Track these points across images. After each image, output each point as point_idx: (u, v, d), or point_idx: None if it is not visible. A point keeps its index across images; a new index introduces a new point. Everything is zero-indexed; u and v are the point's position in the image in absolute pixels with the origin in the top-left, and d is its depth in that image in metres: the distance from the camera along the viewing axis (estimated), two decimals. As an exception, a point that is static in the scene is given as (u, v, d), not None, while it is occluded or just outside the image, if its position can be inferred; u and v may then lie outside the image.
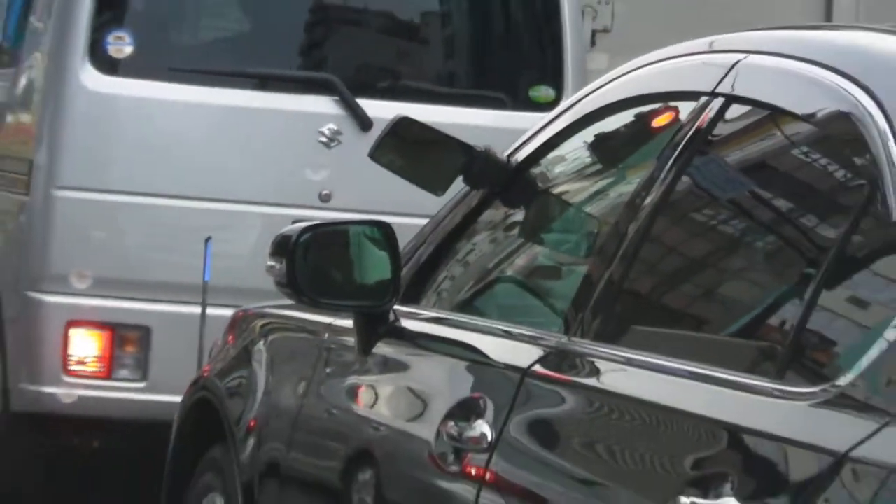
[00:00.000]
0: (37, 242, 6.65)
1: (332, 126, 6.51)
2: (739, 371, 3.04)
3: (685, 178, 3.49)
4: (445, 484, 3.65)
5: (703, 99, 3.50)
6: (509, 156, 4.14)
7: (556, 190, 4.25)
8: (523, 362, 3.58)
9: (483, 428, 3.51)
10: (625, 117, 4.02)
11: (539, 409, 3.57)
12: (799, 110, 3.29)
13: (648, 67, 3.88)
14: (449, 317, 4.08)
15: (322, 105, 6.57)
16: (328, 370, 4.39)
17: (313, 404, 4.36)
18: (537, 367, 3.54)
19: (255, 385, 4.69)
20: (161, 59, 6.67)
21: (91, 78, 6.50)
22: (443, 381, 3.98)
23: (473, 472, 3.54)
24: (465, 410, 3.66)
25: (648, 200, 3.51)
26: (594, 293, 3.57)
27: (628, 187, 3.73)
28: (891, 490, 2.57)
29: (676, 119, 3.69)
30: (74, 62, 6.51)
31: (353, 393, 4.31)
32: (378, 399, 4.22)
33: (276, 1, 7.06)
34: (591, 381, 3.45)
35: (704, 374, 3.11)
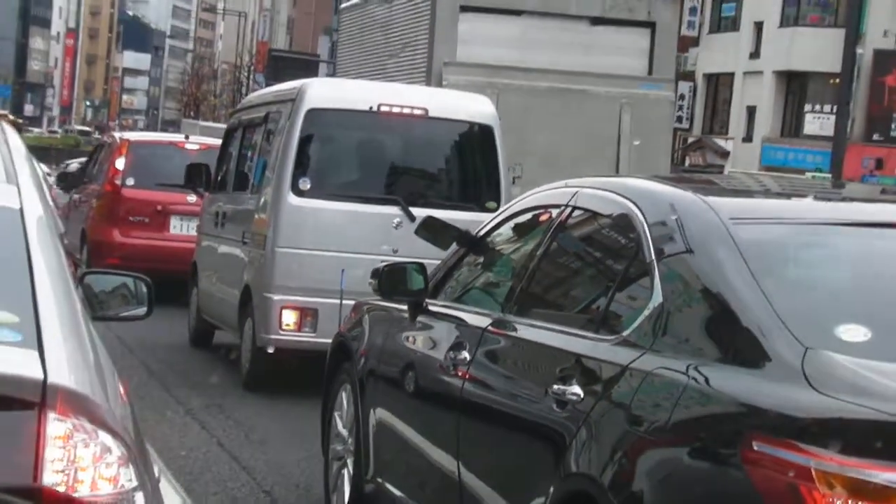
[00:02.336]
0: (267, 271, 10.18)
1: (398, 219, 10.12)
2: (581, 329, 4.37)
3: (555, 242, 5.01)
4: (448, 379, 5.15)
5: (562, 207, 5.00)
6: (476, 233, 5.81)
7: (497, 247, 5.79)
8: (483, 324, 5.06)
9: (465, 354, 5.04)
10: (527, 216, 5.52)
11: (489, 346, 4.97)
12: (604, 212, 4.74)
13: (538, 194, 5.44)
14: (451, 304, 5.64)
15: (395, 210, 10.18)
16: (395, 328, 6.01)
17: (389, 342, 6.00)
18: (490, 327, 5.00)
19: (364, 335, 6.35)
20: (322, 189, 10.27)
21: (292, 198, 10.20)
22: (447, 334, 5.39)
23: (460, 373, 5.02)
24: (457, 346, 5.15)
25: (539, 251, 5.01)
26: (515, 292, 5.01)
27: (529, 245, 5.25)
28: (648, 381, 3.77)
29: (550, 216, 5.13)
30: (285, 191, 10.25)
31: (406, 338, 5.88)
32: (417, 341, 5.79)
33: (371, 160, 10.75)
34: (512, 333, 4.86)
35: (566, 330, 4.47)
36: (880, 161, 36.42)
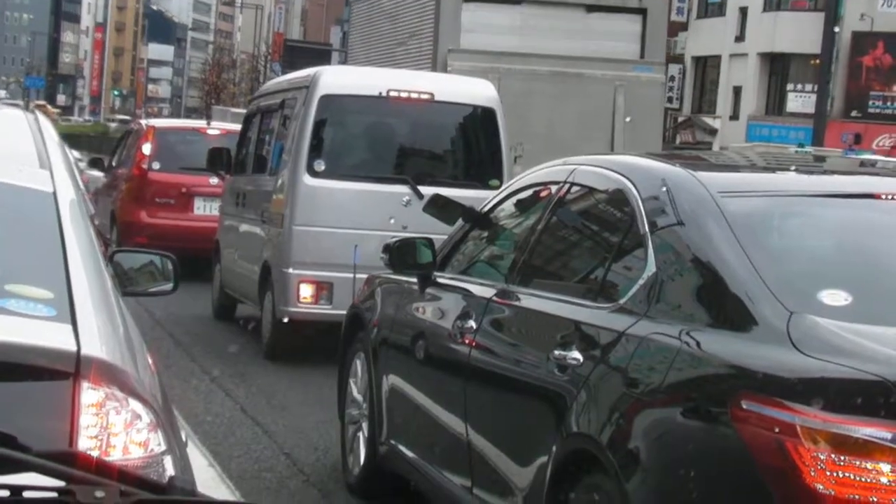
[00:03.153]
0: (285, 248, 10.16)
1: (407, 197, 10.07)
2: (580, 298, 4.38)
3: (554, 217, 5.03)
4: (456, 346, 5.17)
5: (561, 184, 5.02)
6: (481, 209, 5.84)
7: (500, 222, 5.80)
8: (488, 295, 5.07)
9: (472, 323, 5.05)
10: (528, 192, 5.54)
11: (494, 315, 4.97)
12: (600, 187, 4.75)
13: (538, 172, 5.45)
14: (457, 276, 5.64)
15: (404, 188, 10.15)
16: (405, 299, 6.04)
17: (400, 313, 6.04)
18: (494, 297, 5.00)
19: (376, 306, 6.36)
20: (335, 170, 10.22)
21: (308, 179, 10.18)
22: (455, 304, 5.41)
23: (467, 341, 5.03)
24: (464, 315, 5.15)
25: (540, 225, 5.00)
26: (518, 264, 5.01)
27: (530, 220, 5.23)
28: (643, 346, 3.79)
29: (550, 192, 5.13)
30: (301, 172, 10.20)
31: (416, 308, 5.91)
32: (426, 311, 5.80)
33: (382, 142, 10.69)
34: (515, 303, 4.89)
35: (566, 299, 4.48)
36: (858, 136, 36.29)
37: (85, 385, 2.73)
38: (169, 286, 4.25)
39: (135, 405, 2.79)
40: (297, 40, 71.62)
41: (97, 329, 2.87)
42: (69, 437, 2.70)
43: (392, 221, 9.88)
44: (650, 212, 4.17)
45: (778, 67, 46.70)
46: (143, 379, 2.93)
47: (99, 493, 1.62)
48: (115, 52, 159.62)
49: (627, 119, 15.41)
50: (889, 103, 41.72)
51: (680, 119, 49.91)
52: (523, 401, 4.48)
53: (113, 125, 73.04)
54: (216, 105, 58.88)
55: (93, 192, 16.52)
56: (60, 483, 1.66)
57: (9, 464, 1.69)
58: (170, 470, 2.79)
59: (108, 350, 2.83)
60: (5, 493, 1.64)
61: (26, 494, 1.64)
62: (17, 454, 1.71)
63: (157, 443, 2.81)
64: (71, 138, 47.23)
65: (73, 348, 2.76)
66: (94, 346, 2.79)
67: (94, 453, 2.72)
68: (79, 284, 2.97)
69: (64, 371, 2.74)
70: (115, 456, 2.75)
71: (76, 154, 23.30)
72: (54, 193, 3.34)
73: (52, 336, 2.81)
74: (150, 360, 3.23)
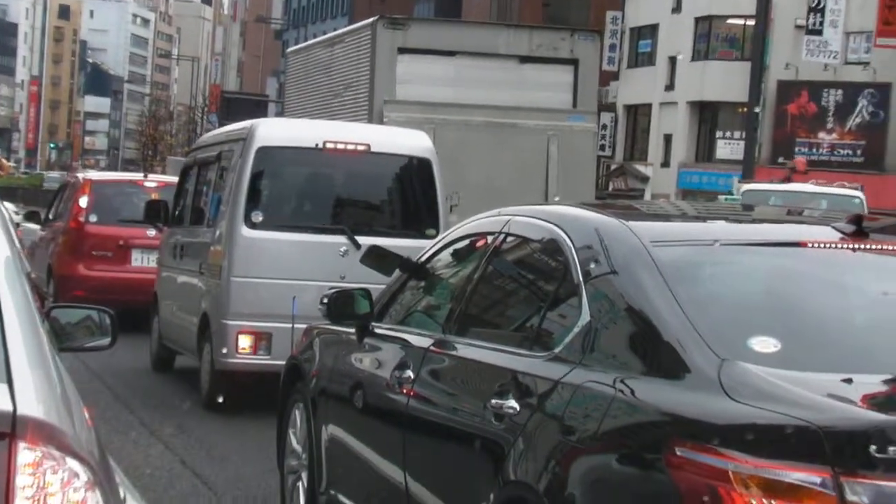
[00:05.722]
0: (223, 299, 10.14)
1: (345, 247, 10.08)
2: (516, 347, 4.39)
3: (490, 266, 5.00)
4: (394, 396, 5.14)
5: (497, 234, 5.02)
6: (417, 259, 5.78)
7: (437, 272, 5.74)
8: (426, 344, 5.06)
9: (409, 373, 5.04)
10: (465, 242, 5.51)
11: (432, 365, 4.96)
12: (535, 237, 4.75)
13: (474, 222, 5.42)
14: (395, 326, 5.61)
15: (341, 238, 10.13)
16: (344, 349, 5.98)
17: (339, 363, 5.98)
18: (431, 347, 5.00)
19: (315, 357, 6.32)
20: (273, 221, 10.25)
21: (245, 231, 10.17)
22: (393, 354, 5.34)
23: (405, 391, 5.02)
24: (402, 366, 5.13)
25: (476, 275, 5.00)
26: (454, 314, 5.01)
27: (466, 270, 5.22)
28: (579, 394, 3.79)
29: (486, 242, 5.13)
30: (238, 224, 10.18)
31: (354, 358, 5.83)
32: (365, 361, 5.73)
33: (319, 193, 10.70)
34: (452, 352, 4.87)
35: (502, 348, 4.48)
36: (793, 169, 36.75)
37: (21, 445, 2.70)
38: (106, 341, 4.20)
39: (72, 464, 2.76)
40: (233, 91, 71.49)
41: (33, 388, 2.83)
42: (5, 498, 2.67)
43: (330, 272, 9.86)
44: (584, 261, 4.18)
45: (707, 115, 47.27)
46: (81, 436, 2.89)
47: None
48: (51, 104, 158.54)
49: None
50: (814, 150, 42.32)
51: (613, 166, 50.31)
52: (461, 449, 4.46)
53: (52, 174, 72.52)
54: (171, 156, 58.87)
55: (29, 247, 16.35)
56: None
57: None
58: (108, 528, 2.76)
59: (45, 409, 2.80)
60: None
61: None
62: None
63: (95, 501, 2.77)
64: (7, 191, 46.75)
65: (9, 408, 2.72)
66: (31, 405, 2.76)
67: None
68: (14, 344, 2.93)
69: (0, 431, 2.70)
70: None
71: (12, 207, 23.05)
72: (-11, 252, 3.31)
73: None
74: (87, 416, 3.19)
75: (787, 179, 22.62)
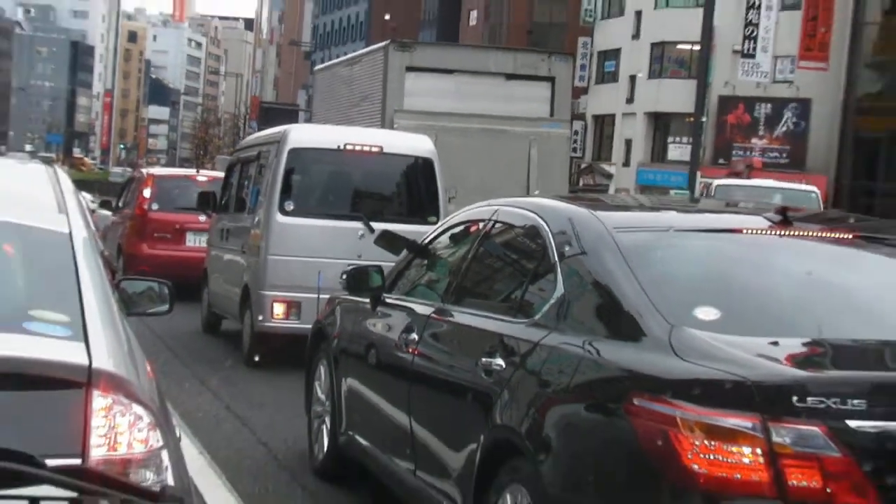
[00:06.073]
0: (261, 274, 10.05)
1: (361, 231, 9.97)
2: (502, 315, 4.33)
3: (481, 248, 4.99)
4: (401, 355, 5.10)
5: (487, 221, 4.99)
6: (422, 241, 5.78)
7: (437, 252, 5.67)
8: (428, 312, 5.03)
9: (414, 336, 5.01)
10: (460, 228, 5.47)
11: (433, 329, 4.91)
12: (519, 224, 4.72)
13: (468, 211, 5.39)
14: (402, 297, 5.58)
15: (358, 224, 10.04)
16: (360, 316, 5.95)
17: (356, 327, 5.96)
18: (432, 314, 4.97)
19: (336, 322, 6.29)
20: (302, 209, 10.11)
21: (280, 217, 10.09)
22: (400, 320, 5.31)
23: (411, 350, 4.99)
24: (408, 329, 5.11)
25: (469, 255, 5.00)
26: (451, 286, 5.00)
27: (462, 251, 5.21)
28: (554, 354, 3.74)
29: (478, 228, 5.11)
30: (274, 212, 10.14)
31: (369, 323, 5.78)
32: (377, 326, 5.66)
33: (340, 186, 10.43)
34: (450, 318, 4.82)
35: (491, 315, 4.44)
36: (750, 166, 36.68)
37: (95, 393, 2.69)
38: (165, 308, 4.19)
39: (137, 408, 2.75)
40: (270, 102, 71.25)
41: (105, 346, 2.83)
42: (82, 437, 2.66)
43: (349, 252, 9.80)
44: (559, 244, 4.14)
45: (661, 124, 47.16)
46: (144, 386, 2.89)
47: (104, 503, 1.58)
48: (121, 112, 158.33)
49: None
50: (748, 153, 42.22)
51: (582, 166, 50.21)
52: (457, 399, 4.43)
53: (116, 170, 72.29)
54: (219, 155, 58.94)
55: (102, 230, 16.33)
56: (72, 494, 1.62)
57: (27, 478, 1.66)
58: (166, 462, 2.75)
59: (115, 363, 2.80)
60: None
61: None
62: (34, 470, 1.68)
63: (156, 439, 2.77)
64: (86, 184, 46.63)
65: (86, 362, 2.72)
66: (103, 360, 2.76)
67: (104, 450, 2.68)
68: (90, 309, 2.94)
69: (78, 381, 2.70)
70: (121, 451, 2.70)
71: (89, 197, 22.98)
72: (70, 234, 3.30)
73: (68, 352, 2.77)
74: (149, 369, 3.19)
75: (747, 176, 22.67)
